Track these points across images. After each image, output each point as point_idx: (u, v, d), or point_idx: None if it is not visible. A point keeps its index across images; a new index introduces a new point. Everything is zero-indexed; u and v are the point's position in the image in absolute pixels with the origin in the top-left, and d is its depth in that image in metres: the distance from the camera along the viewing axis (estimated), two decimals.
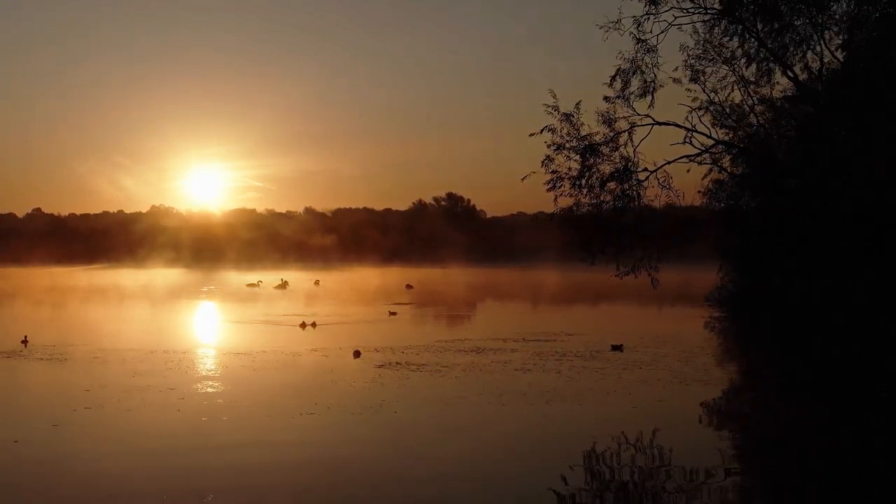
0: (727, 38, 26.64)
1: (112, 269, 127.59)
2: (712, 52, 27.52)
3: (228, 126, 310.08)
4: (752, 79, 28.03)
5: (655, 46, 25.51)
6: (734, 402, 21.73)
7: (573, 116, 27.88)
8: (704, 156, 29.06)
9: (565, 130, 27.99)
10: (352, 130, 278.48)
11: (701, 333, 34.72)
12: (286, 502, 12.37)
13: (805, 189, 30.48)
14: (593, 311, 53.40)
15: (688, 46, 27.51)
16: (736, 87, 28.61)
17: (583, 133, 27.69)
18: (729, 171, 33.89)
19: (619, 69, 25.81)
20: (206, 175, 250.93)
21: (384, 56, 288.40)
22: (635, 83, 25.92)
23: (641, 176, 27.59)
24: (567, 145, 27.74)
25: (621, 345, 27.77)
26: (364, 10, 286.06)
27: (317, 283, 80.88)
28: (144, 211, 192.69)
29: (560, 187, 27.75)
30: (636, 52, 25.67)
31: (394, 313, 45.21)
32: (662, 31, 25.52)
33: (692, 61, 27.70)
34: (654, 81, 25.86)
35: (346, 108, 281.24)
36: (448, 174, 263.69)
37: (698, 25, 27.00)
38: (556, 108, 27.90)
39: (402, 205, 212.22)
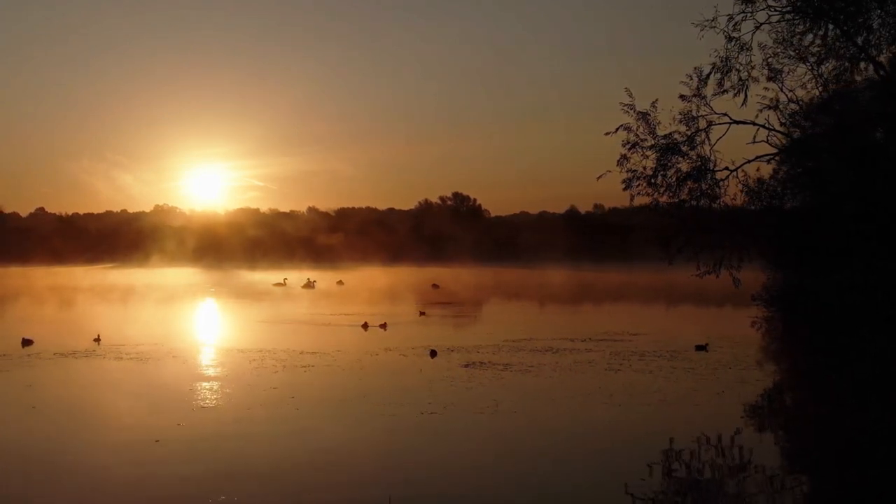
0: (808, 36, 26.62)
1: (122, 269, 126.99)
2: (791, 50, 27.50)
3: (229, 125, 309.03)
4: (830, 76, 28.01)
5: (749, 44, 25.55)
6: (820, 402, 21.66)
7: (649, 115, 27.86)
8: (782, 155, 29.05)
9: (640, 129, 27.97)
10: (353, 130, 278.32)
11: (775, 334, 34.63)
12: (445, 498, 12.47)
13: (853, 188, 30.58)
14: (641, 311, 53.06)
15: (766, 45, 27.52)
16: (814, 85, 28.60)
17: (659, 132, 27.67)
18: (801, 170, 33.68)
19: (713, 66, 25.89)
20: (207, 175, 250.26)
21: (386, 55, 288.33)
22: (727, 81, 25.97)
23: (719, 175, 27.61)
24: (644, 144, 27.72)
25: (706, 345, 27.77)
26: (367, 8, 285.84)
27: (340, 283, 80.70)
28: (148, 210, 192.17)
29: (637, 185, 27.75)
30: (727, 51, 25.71)
31: (423, 313, 45.04)
32: (756, 29, 25.57)
33: (770, 59, 27.71)
34: (748, 79, 25.95)
35: (348, 108, 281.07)
36: (449, 174, 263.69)
37: (777, 22, 26.95)
38: (631, 107, 27.90)
39: (405, 204, 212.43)
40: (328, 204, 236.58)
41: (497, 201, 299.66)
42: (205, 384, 21.68)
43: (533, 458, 14.66)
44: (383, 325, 36.50)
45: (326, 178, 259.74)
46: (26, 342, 29.67)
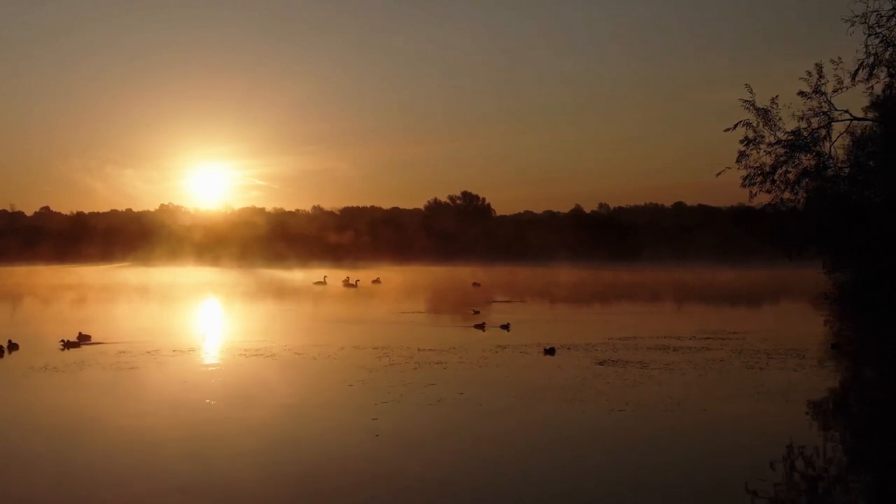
0: None
1: (138, 267, 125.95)
2: None
3: (230, 125, 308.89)
4: None
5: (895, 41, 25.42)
6: None
7: (769, 112, 27.73)
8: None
9: (760, 125, 27.85)
10: (355, 129, 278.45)
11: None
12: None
13: None
14: (716, 309, 52.58)
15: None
16: None
17: (779, 128, 27.61)
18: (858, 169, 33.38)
19: (861, 62, 25.82)
20: (209, 174, 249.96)
21: (389, 54, 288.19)
22: (875, 77, 25.89)
23: (841, 173, 27.49)
24: (765, 141, 27.60)
25: (839, 343, 27.61)
26: (372, 6, 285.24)
27: (376, 281, 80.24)
28: (153, 209, 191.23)
29: (760, 182, 27.62)
30: (867, 47, 25.62)
31: (477, 311, 44.63)
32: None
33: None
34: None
35: (350, 107, 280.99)
36: (452, 173, 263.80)
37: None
38: (751, 104, 27.76)
39: (408, 203, 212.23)
40: (331, 203, 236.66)
41: (500, 200, 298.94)
42: (358, 380, 21.48)
43: (676, 455, 14.47)
44: (505, 326, 35.26)
45: (328, 178, 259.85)
46: (83, 337, 28.86)
